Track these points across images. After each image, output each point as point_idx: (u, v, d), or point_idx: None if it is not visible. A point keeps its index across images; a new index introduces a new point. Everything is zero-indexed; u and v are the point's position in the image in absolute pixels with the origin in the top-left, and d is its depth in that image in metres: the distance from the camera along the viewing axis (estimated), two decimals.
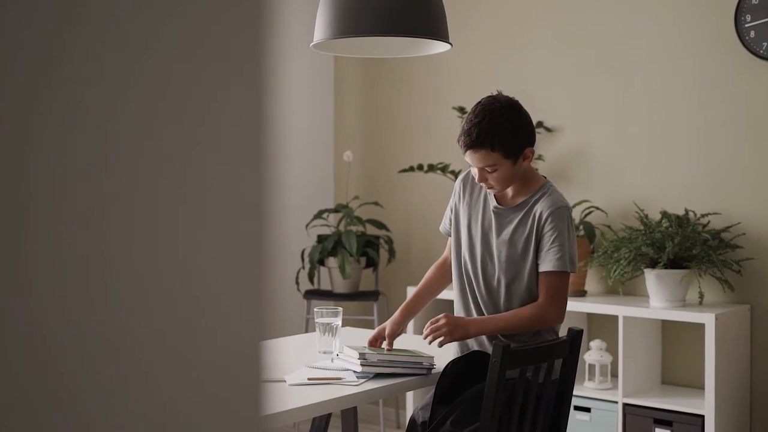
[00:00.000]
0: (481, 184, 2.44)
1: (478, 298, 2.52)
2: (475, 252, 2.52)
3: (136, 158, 0.45)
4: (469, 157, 2.40)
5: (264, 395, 0.49)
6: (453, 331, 2.39)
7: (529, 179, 2.49)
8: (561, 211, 2.41)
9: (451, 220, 2.62)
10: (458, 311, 2.59)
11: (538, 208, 2.43)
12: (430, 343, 2.43)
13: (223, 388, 0.48)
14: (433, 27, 2.45)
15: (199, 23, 0.46)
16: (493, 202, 2.51)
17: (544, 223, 2.41)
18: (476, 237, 2.51)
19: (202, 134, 0.47)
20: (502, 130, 2.35)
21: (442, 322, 2.40)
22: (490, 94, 2.47)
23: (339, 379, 2.43)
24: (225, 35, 0.47)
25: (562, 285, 2.42)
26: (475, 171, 2.44)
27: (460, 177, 2.62)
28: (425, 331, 2.43)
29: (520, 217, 2.45)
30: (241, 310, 0.49)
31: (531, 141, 2.43)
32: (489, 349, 2.44)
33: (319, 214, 4.65)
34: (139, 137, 0.45)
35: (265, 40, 0.48)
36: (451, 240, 2.61)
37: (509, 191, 2.50)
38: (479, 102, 2.43)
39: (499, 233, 2.48)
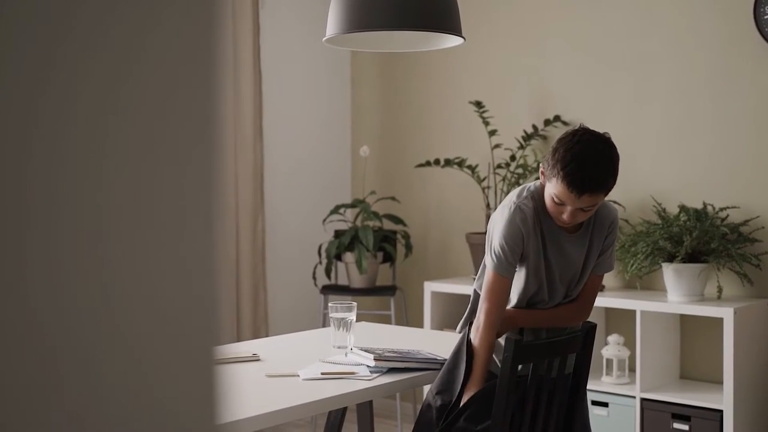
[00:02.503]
0: (566, 221, 2.32)
1: None
2: (555, 282, 2.42)
3: (83, 159, 0.45)
4: (578, 201, 2.26)
5: (220, 404, 0.49)
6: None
7: None
8: (617, 220, 2.49)
9: (515, 263, 2.40)
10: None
11: (600, 221, 2.45)
12: None
13: (173, 395, 0.48)
14: (446, 21, 2.45)
15: (150, 26, 0.46)
16: (561, 232, 2.41)
17: (609, 232, 2.46)
18: (561, 269, 2.42)
19: (150, 138, 0.47)
20: (615, 172, 2.30)
21: None
22: (577, 129, 2.35)
23: (352, 373, 2.44)
24: (175, 33, 0.47)
25: (598, 288, 2.53)
26: (564, 209, 2.30)
27: (522, 220, 2.37)
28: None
29: (590, 234, 2.45)
30: (191, 315, 0.48)
31: None
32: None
33: (335, 209, 4.65)
34: (88, 137, 0.45)
35: (215, 38, 0.48)
36: (523, 283, 2.43)
37: None
38: (578, 140, 2.29)
39: (580, 257, 2.43)
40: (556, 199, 2.30)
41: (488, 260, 2.41)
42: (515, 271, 2.40)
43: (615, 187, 4.04)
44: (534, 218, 2.37)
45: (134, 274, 0.46)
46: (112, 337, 0.45)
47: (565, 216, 2.30)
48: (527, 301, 2.44)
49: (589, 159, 2.25)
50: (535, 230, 2.37)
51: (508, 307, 2.44)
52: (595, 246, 2.44)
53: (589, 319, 2.52)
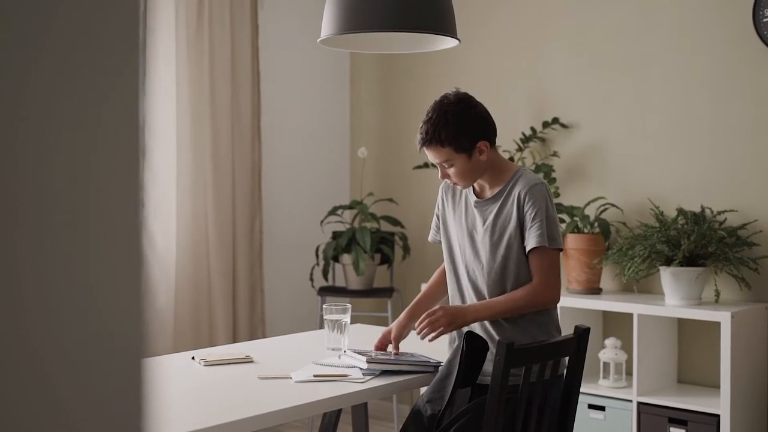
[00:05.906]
0: (445, 179, 2.50)
1: (474, 296, 2.49)
2: (465, 251, 2.52)
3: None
4: (428, 155, 2.48)
5: (147, 412, 0.48)
6: (452, 321, 2.38)
7: (502, 169, 2.49)
8: (537, 188, 2.41)
9: (438, 228, 2.66)
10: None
11: (516, 191, 2.43)
12: (423, 337, 2.41)
13: (98, 403, 0.47)
14: (439, 22, 2.44)
15: (80, 25, 0.45)
16: (473, 198, 2.52)
17: (524, 202, 2.41)
18: (463, 236, 2.52)
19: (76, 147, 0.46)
20: (448, 126, 2.40)
21: (439, 314, 2.38)
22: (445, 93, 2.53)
23: (345, 375, 2.43)
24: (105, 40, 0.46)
25: (551, 263, 2.41)
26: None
27: (441, 186, 2.65)
28: (420, 325, 2.41)
29: (499, 204, 2.46)
30: (119, 325, 0.47)
31: (484, 134, 2.43)
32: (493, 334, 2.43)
33: (333, 211, 4.64)
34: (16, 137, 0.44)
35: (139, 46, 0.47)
36: (443, 247, 2.62)
37: (485, 184, 2.50)
38: (433, 101, 2.49)
39: (481, 225, 2.48)
40: None
41: None
42: (436, 234, 2.66)
43: (614, 190, 4.07)
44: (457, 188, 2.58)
45: (59, 284, 0.45)
46: (37, 345, 0.44)
47: (440, 174, 2.50)
48: (458, 266, 2.55)
49: (426, 115, 2.45)
50: (447, 192, 2.61)
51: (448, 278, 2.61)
52: (506, 213, 2.44)
53: (584, 323, 2.50)
